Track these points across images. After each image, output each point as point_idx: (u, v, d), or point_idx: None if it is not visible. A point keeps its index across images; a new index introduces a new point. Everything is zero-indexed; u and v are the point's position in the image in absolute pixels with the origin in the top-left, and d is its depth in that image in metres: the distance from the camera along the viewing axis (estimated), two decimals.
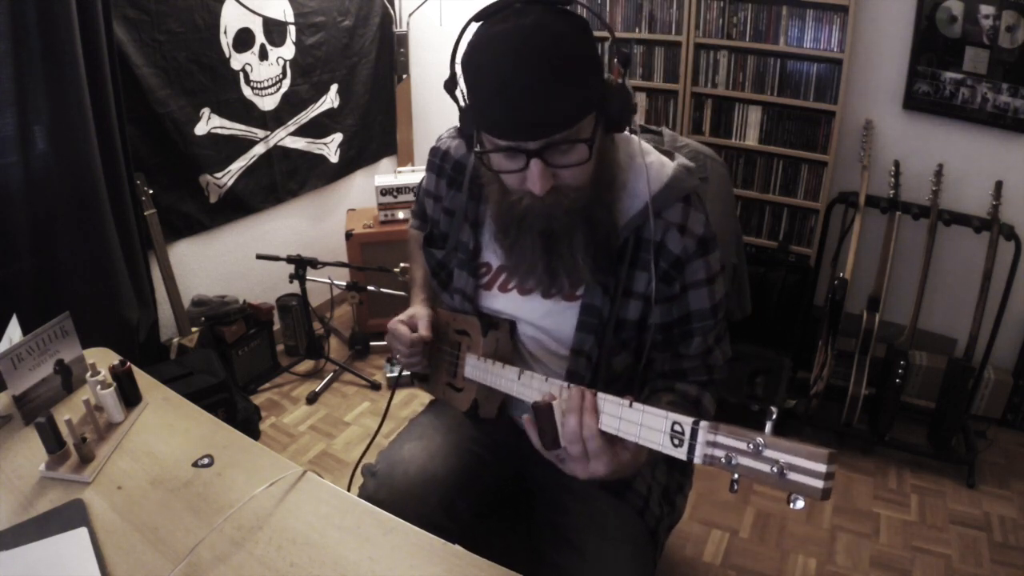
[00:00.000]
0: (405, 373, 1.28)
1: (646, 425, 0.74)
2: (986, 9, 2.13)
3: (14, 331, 1.20)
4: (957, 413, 2.20)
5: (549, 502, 1.16)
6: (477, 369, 1.08)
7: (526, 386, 0.96)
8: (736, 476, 0.66)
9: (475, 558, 0.90)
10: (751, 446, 0.63)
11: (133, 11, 2.05)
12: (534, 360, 1.13)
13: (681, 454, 0.69)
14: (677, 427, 0.70)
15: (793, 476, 0.61)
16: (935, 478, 2.20)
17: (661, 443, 0.72)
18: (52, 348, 1.19)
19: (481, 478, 1.17)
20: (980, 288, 2.17)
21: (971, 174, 2.31)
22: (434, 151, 1.18)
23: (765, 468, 0.62)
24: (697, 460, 0.68)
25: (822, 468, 0.59)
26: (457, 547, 0.91)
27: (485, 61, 0.86)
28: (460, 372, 1.14)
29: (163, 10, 2.13)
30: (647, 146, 1.05)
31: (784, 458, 0.61)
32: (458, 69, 0.92)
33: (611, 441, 0.81)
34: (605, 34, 1.99)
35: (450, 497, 1.10)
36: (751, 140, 2.50)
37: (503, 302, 1.11)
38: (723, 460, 0.66)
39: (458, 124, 1.18)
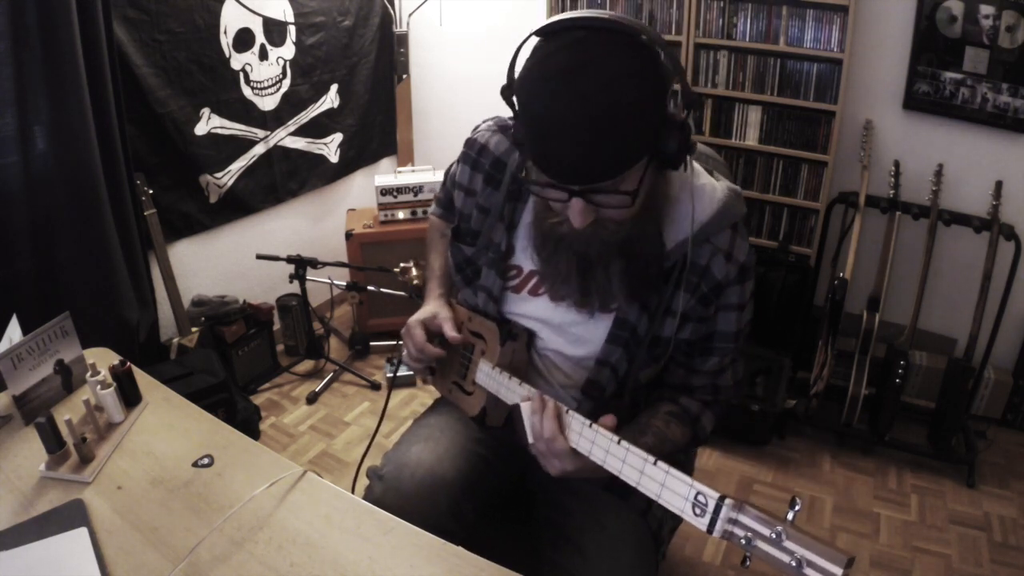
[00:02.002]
0: (403, 373, 1.28)
1: (668, 487, 0.75)
2: (986, 9, 2.13)
3: (14, 331, 1.20)
4: (957, 413, 2.20)
5: (551, 502, 1.16)
6: (490, 378, 1.06)
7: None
8: (749, 554, 0.67)
9: (475, 558, 0.90)
10: (773, 533, 0.64)
11: (133, 11, 2.05)
12: (549, 372, 1.12)
13: (702, 525, 0.70)
14: (700, 498, 0.71)
15: (809, 571, 0.62)
16: (935, 478, 2.20)
17: (682, 509, 0.73)
18: (52, 348, 1.19)
19: (486, 480, 1.17)
20: (980, 288, 2.17)
21: (971, 174, 2.31)
22: (470, 143, 1.15)
23: (784, 558, 0.63)
24: (716, 534, 0.69)
25: (838, 571, 0.61)
26: (458, 547, 0.91)
27: (535, 93, 0.82)
28: (471, 376, 1.12)
29: (163, 10, 2.13)
30: (698, 167, 1.03)
31: (803, 552, 0.62)
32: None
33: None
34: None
35: (457, 500, 1.09)
36: (751, 140, 2.50)
37: (532, 306, 1.10)
38: (742, 540, 0.67)
39: (491, 118, 1.18)
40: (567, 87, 0.79)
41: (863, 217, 2.30)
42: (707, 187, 1.00)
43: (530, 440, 0.92)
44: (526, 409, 0.92)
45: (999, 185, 2.17)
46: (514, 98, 0.89)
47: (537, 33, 0.87)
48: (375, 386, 2.66)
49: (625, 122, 0.80)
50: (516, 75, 0.88)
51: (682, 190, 0.98)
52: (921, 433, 2.35)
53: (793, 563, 0.63)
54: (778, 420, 2.33)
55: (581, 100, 0.79)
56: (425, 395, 2.57)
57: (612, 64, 0.79)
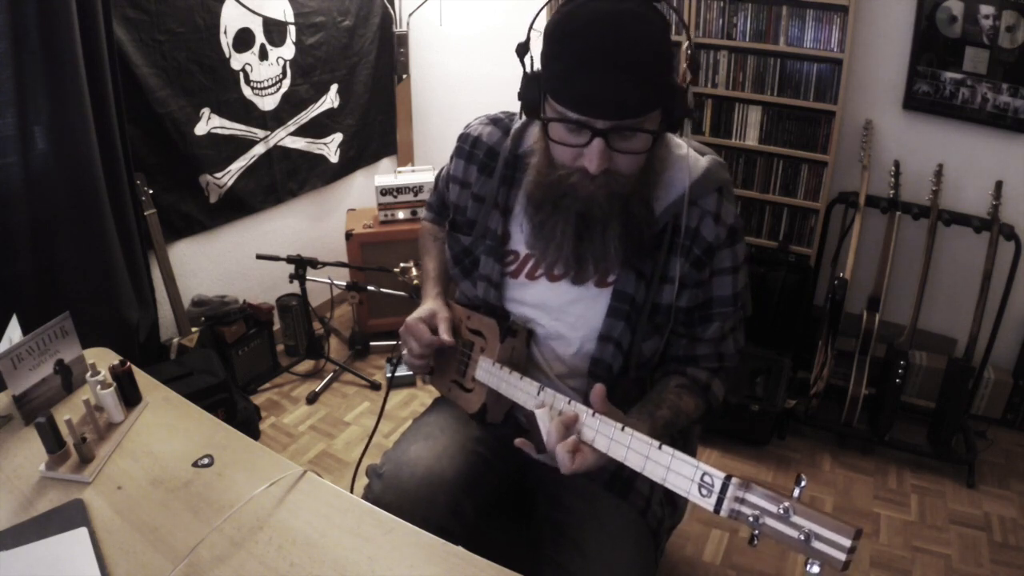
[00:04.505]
0: (402, 373, 1.28)
1: (674, 470, 0.75)
2: (986, 9, 2.13)
3: (14, 331, 1.20)
4: (957, 413, 2.20)
5: (550, 500, 1.16)
6: (490, 375, 1.07)
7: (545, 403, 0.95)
8: (757, 532, 0.67)
9: (475, 558, 0.90)
10: (780, 509, 0.65)
11: (133, 11, 2.05)
12: (549, 365, 1.12)
13: (708, 505, 0.71)
14: (707, 478, 0.71)
15: (818, 544, 0.63)
16: (935, 478, 2.20)
17: (688, 490, 0.73)
18: (52, 348, 1.19)
19: (485, 478, 1.17)
20: (980, 288, 2.17)
21: (971, 174, 2.31)
22: (463, 138, 1.19)
23: (792, 533, 0.64)
24: (723, 514, 0.69)
25: (847, 542, 0.61)
26: (457, 547, 0.91)
27: (578, 33, 0.88)
28: (470, 373, 1.13)
29: (163, 10, 2.13)
30: (679, 140, 1.08)
31: (811, 526, 0.63)
32: (533, 35, 0.95)
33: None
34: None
35: (456, 499, 1.10)
36: (751, 140, 2.50)
37: (531, 291, 1.11)
38: (750, 518, 0.67)
39: (481, 115, 1.20)
40: (609, 27, 0.86)
41: (863, 217, 2.31)
42: (690, 155, 1.04)
43: (547, 447, 0.90)
44: (543, 416, 0.90)
45: (999, 185, 2.17)
46: (528, 55, 0.96)
47: None
48: (375, 386, 2.66)
49: (658, 65, 0.89)
50: (538, 32, 0.94)
51: (668, 158, 1.03)
52: (921, 433, 2.35)
53: (801, 537, 0.63)
54: (778, 420, 2.33)
55: (624, 38, 0.86)
56: (425, 395, 2.57)
57: (646, 15, 0.88)
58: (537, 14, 0.97)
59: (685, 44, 0.95)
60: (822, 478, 2.20)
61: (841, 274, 2.26)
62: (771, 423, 2.30)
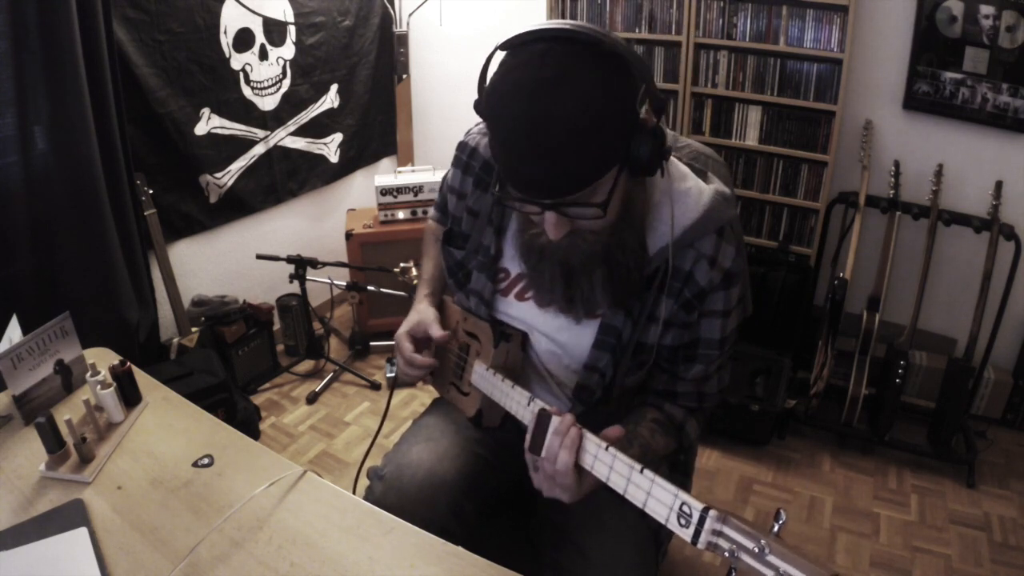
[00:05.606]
0: None
1: (654, 496, 0.75)
2: (986, 9, 2.13)
3: (14, 331, 1.20)
4: (957, 413, 2.20)
5: (551, 502, 1.15)
6: (484, 380, 1.06)
7: (535, 414, 0.94)
8: (734, 567, 0.67)
9: (475, 558, 0.90)
10: (756, 547, 0.64)
11: (133, 11, 2.05)
12: (545, 372, 1.12)
13: (686, 535, 0.70)
14: (685, 508, 0.71)
15: None
16: (935, 478, 2.20)
17: (667, 518, 0.73)
18: (52, 348, 1.19)
19: (486, 480, 1.17)
20: (980, 288, 2.17)
21: (971, 174, 2.31)
22: (462, 146, 1.15)
23: (767, 572, 0.63)
24: (700, 546, 0.69)
25: None
26: (458, 547, 0.91)
27: (499, 111, 0.82)
28: (466, 376, 1.13)
29: (163, 10, 2.13)
30: (684, 170, 1.01)
31: (786, 567, 0.62)
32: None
33: (580, 472, 0.86)
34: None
35: (458, 501, 1.09)
36: (751, 140, 2.50)
37: (520, 310, 1.10)
38: (726, 552, 0.67)
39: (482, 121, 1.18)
40: (528, 104, 0.78)
41: (863, 217, 2.31)
42: (692, 191, 0.98)
43: (543, 455, 0.88)
44: (555, 422, 0.88)
45: (999, 185, 2.17)
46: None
47: (501, 47, 0.86)
48: (375, 386, 2.66)
49: (589, 135, 0.78)
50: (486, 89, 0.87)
51: (664, 196, 0.97)
52: (921, 433, 2.35)
53: None
54: (778, 420, 2.33)
55: (543, 117, 0.77)
56: (425, 395, 2.57)
57: (573, 77, 0.78)
58: (483, 72, 0.88)
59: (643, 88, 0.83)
60: (822, 478, 2.20)
61: (841, 274, 2.26)
62: (771, 423, 2.30)
